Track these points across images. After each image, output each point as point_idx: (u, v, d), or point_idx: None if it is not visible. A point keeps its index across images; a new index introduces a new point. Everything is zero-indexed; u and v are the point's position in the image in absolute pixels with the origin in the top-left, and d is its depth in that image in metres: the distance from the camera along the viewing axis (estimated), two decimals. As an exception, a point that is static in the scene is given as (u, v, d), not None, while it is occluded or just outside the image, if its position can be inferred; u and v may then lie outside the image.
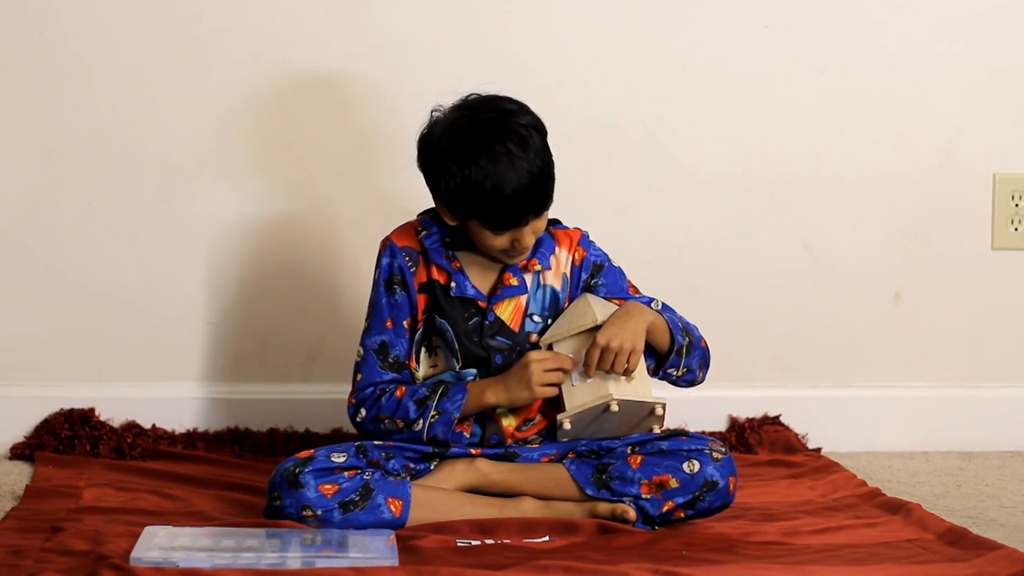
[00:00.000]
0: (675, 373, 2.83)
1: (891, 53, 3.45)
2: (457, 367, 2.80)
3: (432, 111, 2.77)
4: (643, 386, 2.78)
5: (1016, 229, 3.50)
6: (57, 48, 3.29)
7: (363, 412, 2.81)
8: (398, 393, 2.78)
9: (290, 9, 3.33)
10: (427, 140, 2.75)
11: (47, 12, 3.28)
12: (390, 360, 2.82)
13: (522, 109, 2.74)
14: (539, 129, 2.74)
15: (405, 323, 2.82)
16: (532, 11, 3.38)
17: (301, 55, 3.33)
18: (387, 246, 2.84)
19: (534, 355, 2.76)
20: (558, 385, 2.76)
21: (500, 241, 2.74)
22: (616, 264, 2.88)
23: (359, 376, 2.83)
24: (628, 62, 3.40)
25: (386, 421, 2.78)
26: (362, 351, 2.83)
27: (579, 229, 2.89)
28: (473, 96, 2.75)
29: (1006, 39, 3.47)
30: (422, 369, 2.83)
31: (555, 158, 2.73)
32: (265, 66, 3.33)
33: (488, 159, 2.67)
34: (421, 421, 2.76)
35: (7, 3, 3.28)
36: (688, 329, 2.83)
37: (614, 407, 2.73)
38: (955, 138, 3.48)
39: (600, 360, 2.73)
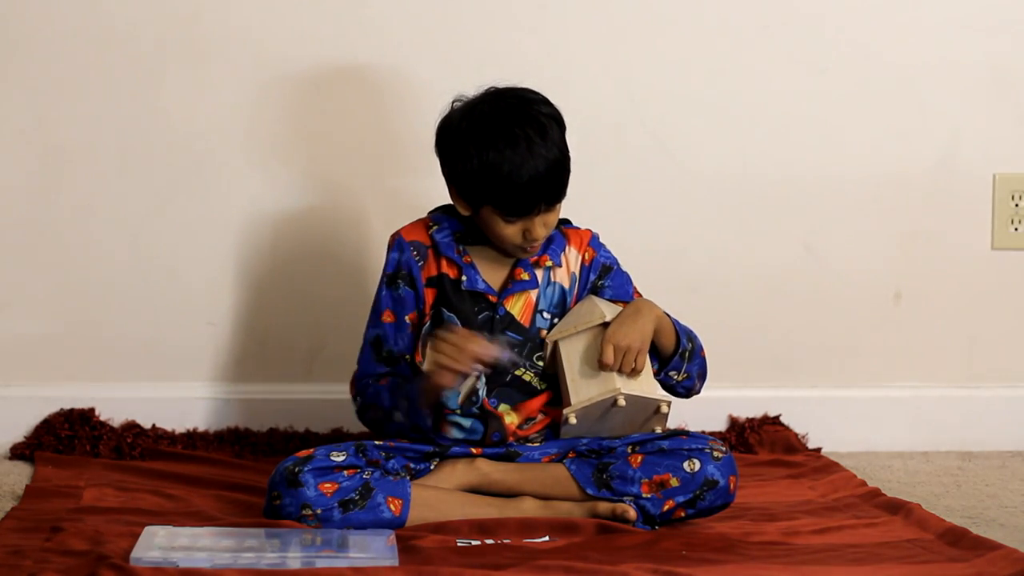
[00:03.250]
0: (676, 376, 2.83)
1: (891, 53, 3.45)
2: (464, 360, 2.82)
3: (453, 101, 2.79)
4: (649, 384, 2.78)
5: (1016, 229, 3.50)
6: (57, 48, 3.29)
7: (358, 401, 2.85)
8: (381, 383, 2.81)
9: (291, 8, 3.33)
10: (446, 123, 2.78)
11: (47, 12, 3.28)
12: (383, 354, 2.84)
13: (543, 100, 2.77)
14: (558, 120, 2.76)
15: (408, 318, 2.82)
16: (532, 10, 3.38)
17: (302, 55, 3.33)
18: (395, 241, 2.85)
19: (439, 333, 2.72)
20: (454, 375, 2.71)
21: (511, 231, 2.75)
22: (623, 269, 2.89)
23: (357, 367, 2.87)
24: (628, 62, 3.40)
25: (371, 410, 2.82)
26: (362, 343, 2.86)
27: (589, 230, 2.90)
28: (493, 88, 2.79)
29: (1006, 39, 3.47)
30: (427, 363, 2.83)
31: (569, 152, 2.75)
32: (265, 66, 3.33)
33: (506, 143, 2.69)
34: (398, 413, 2.78)
35: (7, 3, 3.28)
36: (691, 335, 2.83)
37: (621, 402, 2.73)
38: (955, 138, 3.48)
39: (603, 351, 2.73)
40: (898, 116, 3.47)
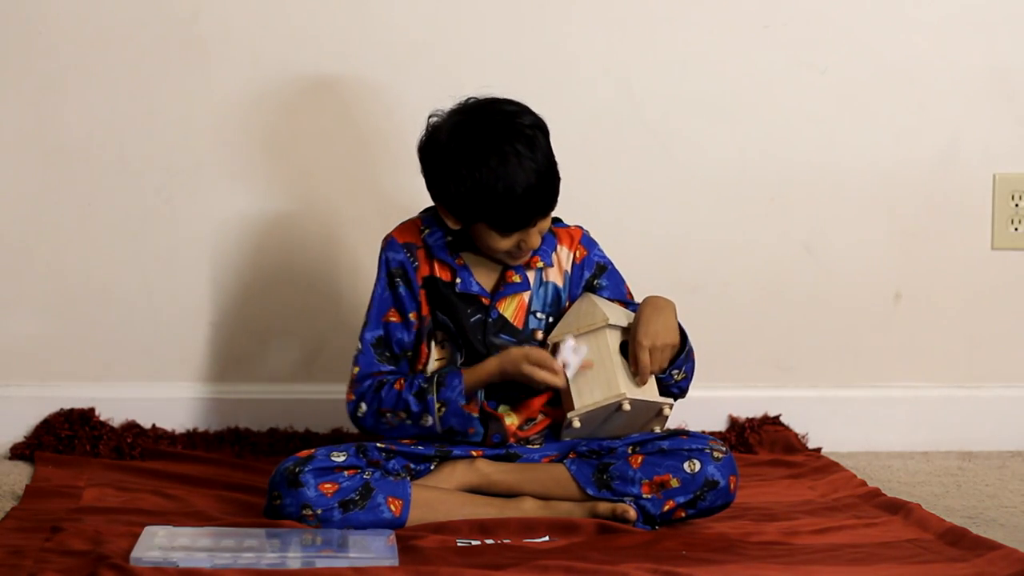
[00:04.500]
0: (677, 376, 2.82)
1: (891, 52, 3.45)
2: (459, 361, 2.80)
3: (429, 117, 2.77)
4: (651, 386, 2.78)
5: (1016, 229, 3.50)
6: (57, 48, 3.29)
7: (363, 407, 2.79)
8: (397, 386, 2.77)
9: (290, 9, 3.33)
10: (431, 145, 2.75)
11: (47, 12, 3.28)
12: (387, 354, 2.81)
13: (523, 110, 2.74)
14: (542, 129, 2.74)
15: (411, 316, 2.82)
16: (531, 11, 3.37)
17: (301, 55, 3.33)
18: (389, 242, 2.84)
19: (515, 352, 2.74)
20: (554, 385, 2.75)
21: (506, 243, 2.74)
22: (615, 268, 2.89)
23: (356, 369, 2.81)
24: (628, 62, 3.40)
25: (388, 415, 2.77)
26: (360, 345, 2.82)
27: (580, 228, 2.89)
28: (471, 100, 2.76)
29: (1006, 39, 3.47)
30: (432, 362, 2.83)
31: (555, 158, 2.74)
32: (265, 66, 3.33)
33: (498, 161, 2.68)
34: (430, 417, 2.74)
35: (7, 3, 3.28)
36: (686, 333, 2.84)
37: (626, 406, 2.73)
38: (955, 138, 3.48)
39: (640, 360, 2.73)
40: (898, 116, 3.47)
